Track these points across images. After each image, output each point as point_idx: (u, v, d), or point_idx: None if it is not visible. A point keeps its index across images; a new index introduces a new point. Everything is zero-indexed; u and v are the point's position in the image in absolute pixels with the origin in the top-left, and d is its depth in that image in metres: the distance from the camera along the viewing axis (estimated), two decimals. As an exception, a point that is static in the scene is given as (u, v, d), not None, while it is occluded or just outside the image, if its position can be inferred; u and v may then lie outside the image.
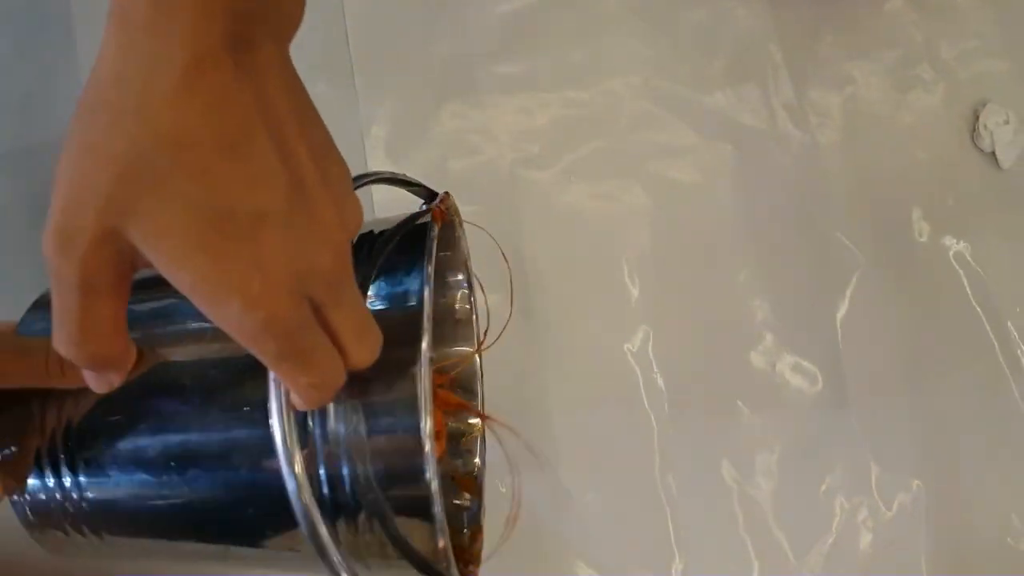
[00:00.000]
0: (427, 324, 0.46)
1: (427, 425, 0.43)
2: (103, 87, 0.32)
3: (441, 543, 0.45)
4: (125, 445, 0.48)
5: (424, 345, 0.45)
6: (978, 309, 1.04)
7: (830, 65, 1.11)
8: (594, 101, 1.08)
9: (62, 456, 0.49)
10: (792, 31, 1.09)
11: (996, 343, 1.02)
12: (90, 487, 0.49)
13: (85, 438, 0.49)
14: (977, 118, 1.06)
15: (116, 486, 0.49)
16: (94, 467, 0.49)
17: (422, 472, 0.43)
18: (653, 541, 0.96)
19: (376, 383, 0.44)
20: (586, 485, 0.98)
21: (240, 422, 0.47)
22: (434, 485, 0.43)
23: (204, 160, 0.32)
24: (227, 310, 0.33)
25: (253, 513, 0.47)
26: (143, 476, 0.47)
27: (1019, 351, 1.02)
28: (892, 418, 1.01)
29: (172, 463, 0.47)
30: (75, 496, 0.50)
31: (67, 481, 0.49)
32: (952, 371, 1.02)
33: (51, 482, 0.50)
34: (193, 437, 0.47)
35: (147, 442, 0.47)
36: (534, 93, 1.08)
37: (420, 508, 0.44)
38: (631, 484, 0.99)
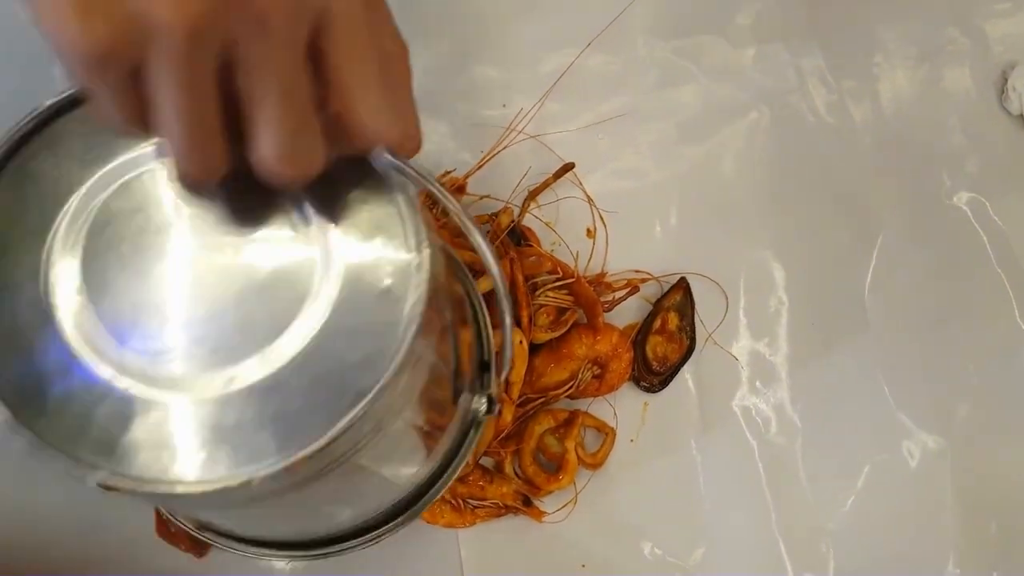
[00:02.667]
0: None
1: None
2: None
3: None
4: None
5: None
6: (999, 271, 1.04)
7: (858, 27, 1.12)
8: (617, 60, 1.08)
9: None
10: (822, -8, 1.10)
11: (1015, 303, 1.02)
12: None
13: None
14: (1006, 81, 1.07)
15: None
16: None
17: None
18: (679, 495, 0.97)
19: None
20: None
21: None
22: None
23: None
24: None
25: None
26: None
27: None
28: (916, 375, 1.02)
29: None
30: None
31: None
32: (977, 328, 1.02)
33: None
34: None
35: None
36: (559, 51, 1.08)
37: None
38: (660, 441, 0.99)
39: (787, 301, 1.04)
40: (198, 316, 0.43)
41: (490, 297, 0.83)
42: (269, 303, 0.43)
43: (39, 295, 0.44)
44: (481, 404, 0.66)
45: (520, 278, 0.91)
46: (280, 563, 0.94)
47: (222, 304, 0.43)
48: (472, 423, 0.74)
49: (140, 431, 0.42)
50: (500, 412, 0.87)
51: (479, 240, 0.50)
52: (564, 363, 0.95)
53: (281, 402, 0.42)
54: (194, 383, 0.42)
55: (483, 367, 0.75)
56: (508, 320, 0.57)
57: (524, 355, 0.91)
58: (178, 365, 0.42)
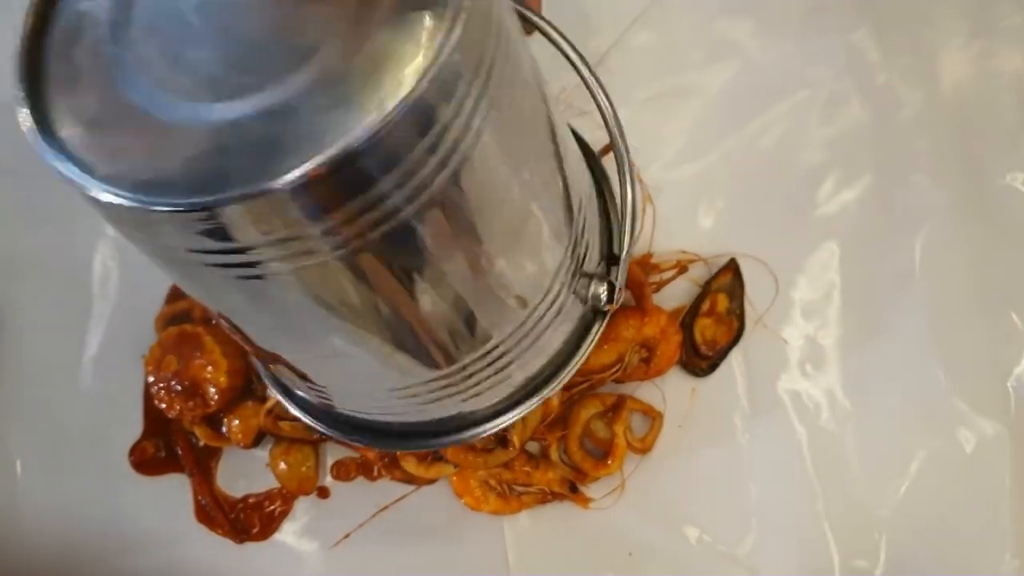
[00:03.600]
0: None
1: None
2: None
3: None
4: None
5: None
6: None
7: (909, 4, 1.08)
8: (663, 37, 1.05)
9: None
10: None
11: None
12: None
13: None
14: (1064, 56, 1.03)
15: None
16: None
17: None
18: (728, 481, 0.95)
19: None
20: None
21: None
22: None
23: None
24: None
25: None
26: None
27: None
28: (972, 359, 0.98)
29: None
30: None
31: None
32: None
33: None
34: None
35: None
36: (603, 29, 1.05)
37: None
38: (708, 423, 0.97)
39: (838, 283, 1.00)
40: (233, 37, 0.40)
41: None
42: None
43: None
44: (602, 290, 0.63)
45: None
46: (311, 546, 0.91)
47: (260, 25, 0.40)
48: (594, 313, 0.72)
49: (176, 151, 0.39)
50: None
51: (583, 70, 0.47)
52: (611, 345, 0.92)
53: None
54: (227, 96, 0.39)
55: (611, 260, 0.72)
56: (627, 167, 0.53)
57: None
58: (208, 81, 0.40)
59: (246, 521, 0.90)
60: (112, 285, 0.95)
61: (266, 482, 0.91)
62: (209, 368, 0.84)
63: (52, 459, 0.91)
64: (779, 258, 1.00)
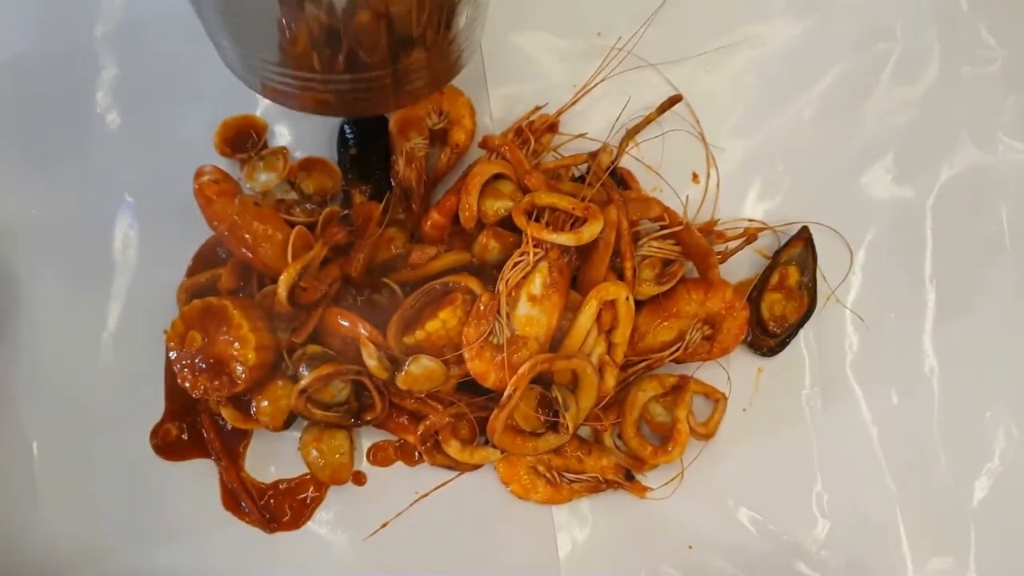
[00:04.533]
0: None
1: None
2: None
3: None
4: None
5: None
6: None
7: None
8: None
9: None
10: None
11: None
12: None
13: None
14: None
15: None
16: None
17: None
18: (796, 469, 0.88)
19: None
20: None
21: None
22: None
23: None
24: None
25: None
26: None
27: None
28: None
29: None
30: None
31: None
32: None
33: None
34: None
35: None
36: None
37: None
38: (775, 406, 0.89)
39: (921, 255, 0.91)
40: None
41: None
42: None
43: None
44: None
45: (626, 225, 0.80)
46: (346, 536, 0.85)
47: None
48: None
49: None
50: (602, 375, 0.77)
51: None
52: (671, 322, 0.85)
53: None
54: None
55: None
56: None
57: (630, 313, 0.80)
58: None
59: (276, 509, 0.85)
60: (132, 255, 0.88)
61: (298, 467, 0.85)
62: (236, 344, 0.78)
63: (70, 442, 0.86)
64: (854, 227, 0.91)
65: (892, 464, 0.87)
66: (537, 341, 0.77)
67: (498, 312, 0.76)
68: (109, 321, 0.86)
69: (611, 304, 0.79)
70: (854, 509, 0.87)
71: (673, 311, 0.84)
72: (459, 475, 0.85)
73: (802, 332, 0.89)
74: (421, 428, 0.81)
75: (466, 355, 0.77)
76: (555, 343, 0.79)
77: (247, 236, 0.78)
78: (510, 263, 0.77)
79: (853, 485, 0.87)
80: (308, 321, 0.79)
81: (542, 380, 0.79)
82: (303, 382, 0.78)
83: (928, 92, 0.93)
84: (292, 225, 0.79)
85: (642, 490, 0.85)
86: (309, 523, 0.85)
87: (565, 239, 0.77)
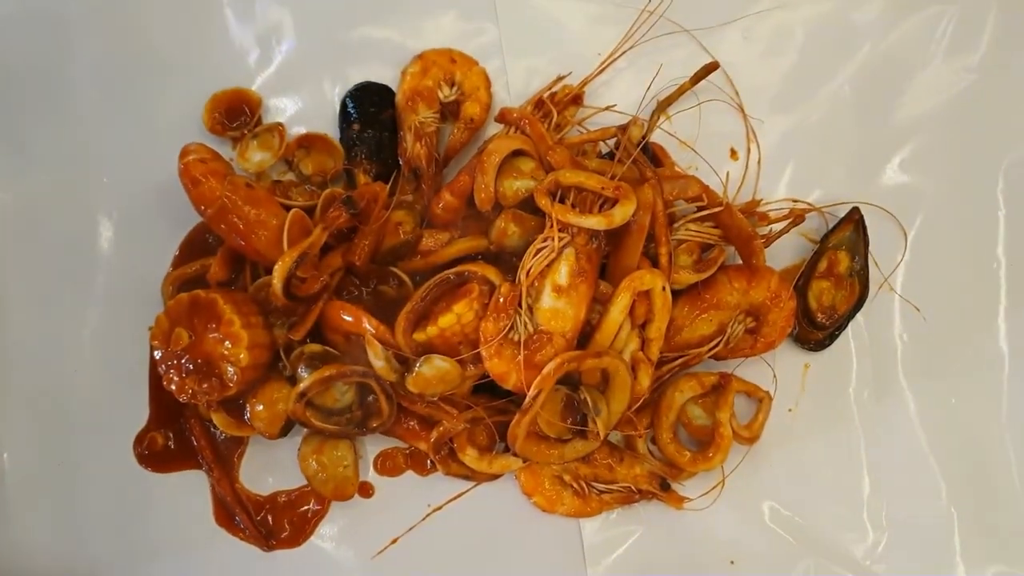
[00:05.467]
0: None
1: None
2: None
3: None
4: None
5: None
6: None
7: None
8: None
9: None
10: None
11: None
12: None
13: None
14: None
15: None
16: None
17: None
18: (847, 477, 0.82)
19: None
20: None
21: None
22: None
23: None
24: None
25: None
26: None
27: None
28: None
29: None
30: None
31: None
32: None
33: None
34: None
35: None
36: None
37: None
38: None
39: (988, 238, 0.84)
40: None
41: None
42: None
43: None
44: None
45: (661, 206, 0.73)
46: (352, 553, 0.80)
47: None
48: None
49: None
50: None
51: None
52: (711, 314, 0.78)
53: None
54: None
55: None
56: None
57: (667, 305, 0.74)
58: None
59: (275, 524, 0.80)
60: (113, 243, 0.83)
61: (299, 478, 0.79)
62: (227, 343, 0.72)
63: (46, 452, 0.80)
64: (909, 208, 0.84)
65: (948, 470, 0.81)
66: (563, 337, 0.71)
67: (519, 305, 0.71)
68: (87, 317, 0.82)
69: (645, 295, 0.73)
70: (907, 518, 0.81)
71: (713, 302, 0.78)
72: (476, 486, 0.80)
73: (852, 324, 0.82)
74: (434, 435, 0.76)
75: (484, 353, 0.72)
76: (583, 339, 0.74)
77: (238, 221, 0.74)
78: (532, 250, 0.72)
79: (906, 492, 0.82)
80: (307, 316, 0.74)
81: (568, 380, 0.73)
82: (302, 385, 0.72)
83: (988, 58, 0.85)
84: (289, 209, 0.74)
85: (679, 500, 0.80)
86: (311, 539, 0.80)
87: (594, 222, 0.71)
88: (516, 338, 0.71)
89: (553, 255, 0.71)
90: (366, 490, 0.80)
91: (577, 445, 0.74)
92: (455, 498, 0.80)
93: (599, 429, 0.72)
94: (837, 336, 0.82)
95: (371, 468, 0.81)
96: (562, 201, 0.72)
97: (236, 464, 0.80)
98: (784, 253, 0.83)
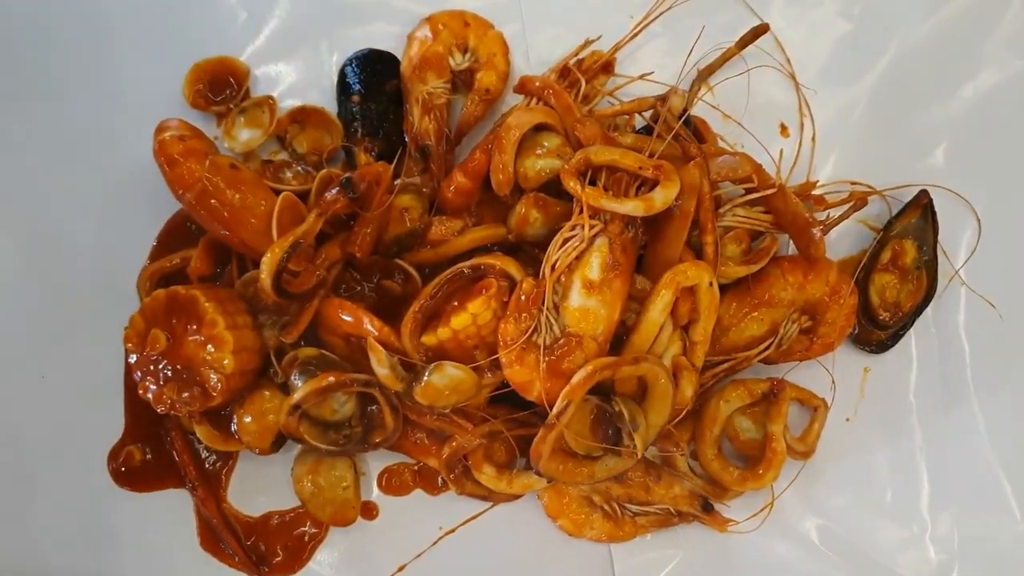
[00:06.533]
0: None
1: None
2: None
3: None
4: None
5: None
6: None
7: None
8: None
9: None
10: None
11: None
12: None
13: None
14: None
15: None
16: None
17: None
18: (912, 494, 0.76)
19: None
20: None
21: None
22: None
23: None
24: None
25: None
26: None
27: None
28: None
29: None
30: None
31: None
32: None
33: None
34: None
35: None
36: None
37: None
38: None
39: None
40: None
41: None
42: None
43: None
44: None
45: (708, 188, 0.67)
46: None
47: None
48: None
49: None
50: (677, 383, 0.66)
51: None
52: (761, 312, 0.71)
53: None
54: None
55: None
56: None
57: (714, 303, 0.67)
58: None
59: (267, 549, 0.74)
60: (83, 233, 0.77)
61: (294, 497, 0.74)
62: (209, 347, 0.66)
63: (7, 467, 0.74)
64: (984, 193, 0.77)
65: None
66: (594, 340, 0.65)
67: (543, 303, 0.64)
68: (55, 316, 0.76)
69: (689, 291, 0.66)
70: (976, 541, 0.75)
71: (764, 298, 0.71)
72: (493, 506, 0.75)
73: (919, 322, 0.76)
74: (446, 451, 0.70)
75: (503, 360, 0.66)
76: (616, 342, 0.67)
77: (221, 207, 0.68)
78: (558, 239, 0.67)
79: (976, 512, 0.76)
80: (301, 316, 0.70)
81: (600, 389, 0.66)
82: (295, 397, 0.66)
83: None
84: (279, 193, 0.69)
85: (723, 523, 0.73)
86: (308, 565, 0.75)
87: (631, 207, 0.64)
88: (540, 342, 0.65)
89: (583, 246, 0.65)
90: (369, 511, 0.75)
91: (609, 463, 0.68)
92: (470, 520, 0.75)
93: (636, 446, 0.65)
94: (901, 336, 0.76)
95: (374, 486, 0.75)
96: (593, 183, 0.66)
97: (224, 482, 0.75)
98: (841, 243, 0.77)
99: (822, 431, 0.73)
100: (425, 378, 0.65)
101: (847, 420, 0.75)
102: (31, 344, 0.75)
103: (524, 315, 0.65)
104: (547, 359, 0.64)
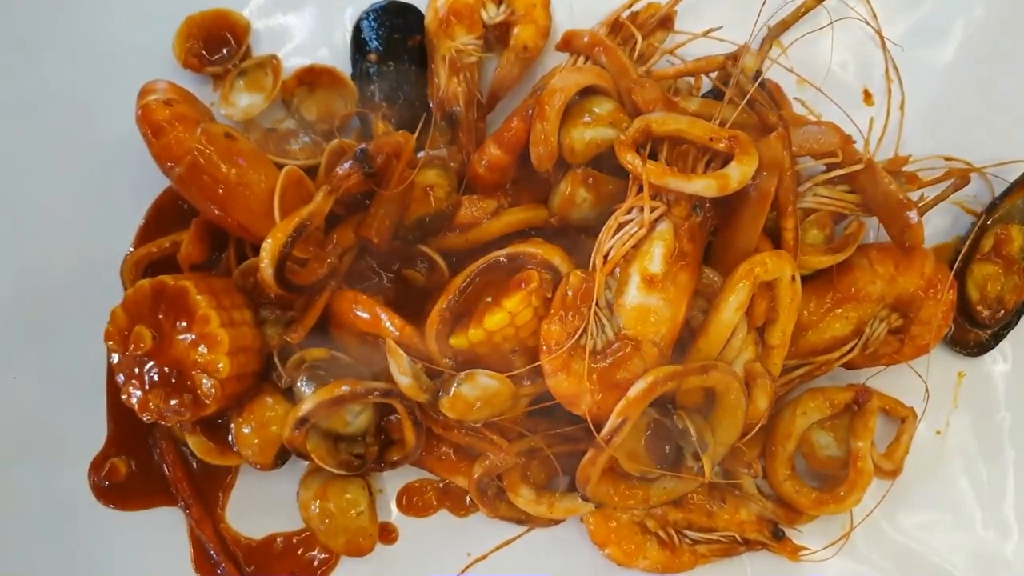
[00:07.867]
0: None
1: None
2: None
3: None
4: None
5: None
6: None
7: None
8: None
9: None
10: None
11: None
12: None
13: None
14: None
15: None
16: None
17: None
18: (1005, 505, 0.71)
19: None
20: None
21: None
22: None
23: None
24: None
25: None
26: None
27: None
28: None
29: None
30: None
31: None
32: None
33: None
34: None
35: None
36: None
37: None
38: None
39: None
40: None
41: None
42: None
43: None
44: None
45: (790, 164, 0.60)
46: None
47: None
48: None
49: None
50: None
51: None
52: (845, 308, 0.64)
53: None
54: None
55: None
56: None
57: (796, 300, 0.60)
58: None
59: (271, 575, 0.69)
60: (61, 215, 0.71)
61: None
62: (201, 347, 0.60)
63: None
64: None
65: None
66: (655, 345, 0.59)
67: (595, 301, 0.58)
68: (28, 308, 0.72)
69: (766, 287, 0.59)
70: None
71: (849, 292, 0.64)
72: (529, 530, 0.69)
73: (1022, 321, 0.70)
74: (477, 471, 0.64)
75: (546, 367, 0.60)
76: (679, 346, 0.61)
77: (214, 183, 0.62)
78: (612, 224, 0.62)
79: None
80: (308, 311, 0.65)
81: (659, 401, 0.59)
82: (302, 409, 0.60)
83: None
84: (282, 167, 0.63)
85: (795, 551, 0.68)
86: None
87: (701, 186, 0.58)
88: (590, 346, 0.58)
89: (642, 232, 0.59)
90: (388, 534, 0.70)
91: (668, 485, 0.61)
92: (503, 546, 0.70)
93: (703, 468, 0.58)
94: (1003, 336, 0.70)
95: (392, 505, 0.69)
96: (654, 157, 0.59)
97: (221, 499, 0.70)
98: (933, 228, 0.70)
99: (910, 446, 0.67)
100: (454, 388, 0.60)
101: (937, 433, 0.69)
102: (7, 345, 0.69)
103: (571, 314, 0.59)
104: (598, 367, 0.57)
